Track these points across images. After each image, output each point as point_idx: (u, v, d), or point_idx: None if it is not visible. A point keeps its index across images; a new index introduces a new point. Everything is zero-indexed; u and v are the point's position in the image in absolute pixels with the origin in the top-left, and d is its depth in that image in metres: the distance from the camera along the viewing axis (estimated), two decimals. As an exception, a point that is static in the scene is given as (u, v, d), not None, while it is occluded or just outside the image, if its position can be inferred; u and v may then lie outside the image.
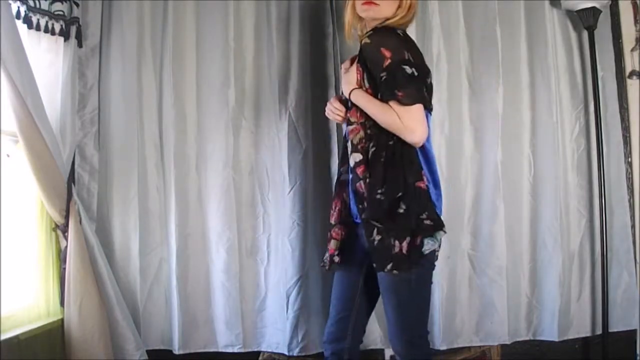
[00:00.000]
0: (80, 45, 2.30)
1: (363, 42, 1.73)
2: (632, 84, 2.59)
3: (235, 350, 2.45)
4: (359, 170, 1.72)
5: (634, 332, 2.52)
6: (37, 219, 2.19)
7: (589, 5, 2.42)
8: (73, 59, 2.25)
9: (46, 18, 2.10)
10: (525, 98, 2.54)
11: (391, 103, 1.65)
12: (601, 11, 2.47)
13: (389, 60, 1.66)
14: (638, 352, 2.53)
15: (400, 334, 1.76)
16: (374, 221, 1.68)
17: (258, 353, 2.50)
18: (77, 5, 2.24)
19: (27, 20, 2.03)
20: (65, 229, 2.18)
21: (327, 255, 1.89)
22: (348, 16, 1.88)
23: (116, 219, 2.43)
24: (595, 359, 2.54)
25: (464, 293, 2.49)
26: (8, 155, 2.10)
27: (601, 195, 2.49)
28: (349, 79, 1.80)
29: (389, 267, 1.66)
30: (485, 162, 2.50)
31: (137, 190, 2.42)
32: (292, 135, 2.45)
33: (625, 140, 2.58)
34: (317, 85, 2.51)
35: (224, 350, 2.46)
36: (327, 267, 1.89)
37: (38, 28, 2.08)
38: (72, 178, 2.30)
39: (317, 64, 2.51)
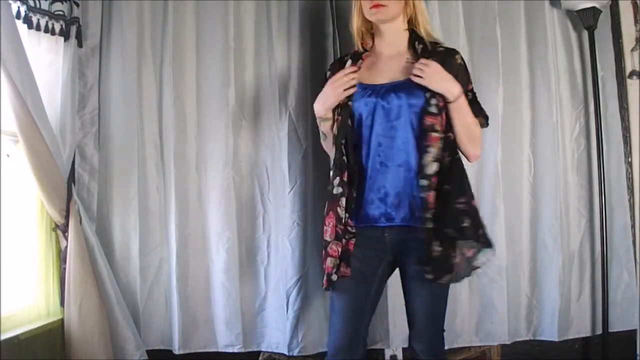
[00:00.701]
0: (80, 45, 2.30)
1: (458, 62, 1.80)
2: (632, 84, 2.59)
3: (235, 350, 2.45)
4: (435, 180, 1.71)
5: (634, 332, 2.52)
6: (37, 219, 2.19)
7: (589, 5, 2.42)
8: (73, 59, 2.25)
9: (46, 18, 2.10)
10: (525, 98, 2.54)
11: (480, 119, 1.83)
12: (601, 11, 2.47)
13: (472, 85, 1.86)
14: (638, 352, 2.52)
15: (431, 332, 1.83)
16: (447, 230, 1.70)
17: (258, 353, 2.50)
18: (77, 5, 2.25)
19: (27, 20, 2.03)
20: (65, 229, 2.18)
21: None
22: (356, 22, 1.88)
23: (116, 219, 2.43)
24: (595, 359, 2.54)
25: (464, 293, 2.49)
26: (8, 155, 2.10)
27: (601, 195, 2.49)
28: (448, 75, 1.72)
29: (446, 278, 1.72)
30: (485, 162, 2.49)
31: (137, 190, 2.42)
32: (292, 135, 2.45)
33: (625, 140, 2.58)
34: (317, 85, 2.50)
35: (224, 350, 2.46)
36: (324, 287, 1.81)
37: (38, 28, 2.08)
38: (72, 178, 2.30)
39: (317, 64, 2.50)
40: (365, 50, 1.93)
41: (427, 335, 1.84)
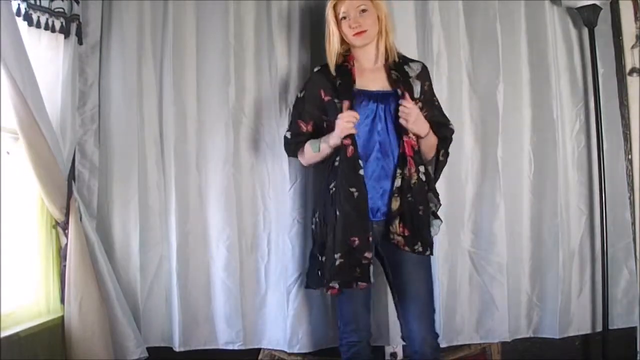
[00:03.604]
0: (80, 42, 2.31)
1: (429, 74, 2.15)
2: (632, 81, 2.59)
3: (236, 347, 2.45)
4: None
5: (634, 329, 2.52)
6: (38, 216, 2.19)
7: (589, 2, 2.42)
8: (73, 57, 2.25)
9: (46, 15, 2.11)
10: (526, 95, 2.54)
11: (449, 127, 2.17)
12: (601, 8, 2.46)
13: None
14: (638, 349, 2.53)
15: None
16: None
17: (258, 350, 2.50)
18: (78, 2, 2.25)
19: (28, 18, 2.03)
20: (65, 226, 2.18)
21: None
22: (335, 47, 2.05)
23: (116, 216, 2.43)
24: (595, 357, 2.54)
25: (464, 290, 2.49)
26: (8, 153, 2.10)
27: (601, 192, 2.48)
28: (421, 117, 1.99)
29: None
30: (486, 160, 2.50)
31: (137, 187, 2.42)
32: (293, 133, 2.45)
33: (625, 137, 2.58)
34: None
35: (224, 348, 2.46)
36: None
37: (38, 25, 2.08)
38: (72, 175, 2.31)
39: (318, 62, 2.49)
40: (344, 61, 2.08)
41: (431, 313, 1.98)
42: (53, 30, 2.14)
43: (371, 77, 2.06)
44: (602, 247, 2.47)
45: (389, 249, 2.00)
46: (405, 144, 1.95)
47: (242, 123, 2.51)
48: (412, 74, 2.07)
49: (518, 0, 2.55)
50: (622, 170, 2.57)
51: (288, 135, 2.17)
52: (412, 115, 1.93)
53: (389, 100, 2.00)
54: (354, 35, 1.99)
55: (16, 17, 1.94)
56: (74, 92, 2.29)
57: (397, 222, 1.93)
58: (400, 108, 1.94)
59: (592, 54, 2.51)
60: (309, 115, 2.11)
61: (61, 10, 2.15)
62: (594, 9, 2.44)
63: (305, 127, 2.12)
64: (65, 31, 2.18)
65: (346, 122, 1.91)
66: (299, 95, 2.18)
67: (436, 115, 2.13)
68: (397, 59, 2.08)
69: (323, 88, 2.06)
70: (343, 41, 2.06)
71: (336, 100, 2.00)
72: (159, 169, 2.49)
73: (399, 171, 1.95)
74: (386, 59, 2.09)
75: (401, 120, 1.94)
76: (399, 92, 1.99)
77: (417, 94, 2.05)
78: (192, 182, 2.48)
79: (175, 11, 2.47)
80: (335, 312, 2.22)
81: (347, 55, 2.07)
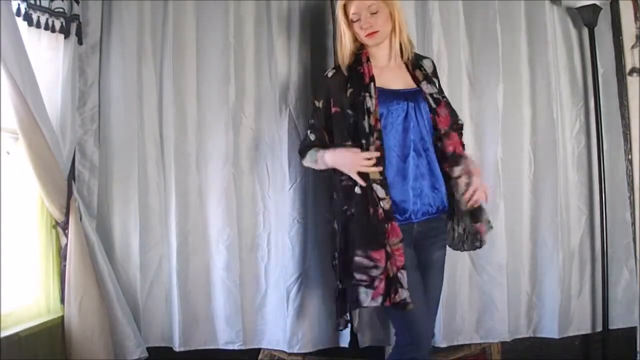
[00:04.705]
0: (80, 42, 2.31)
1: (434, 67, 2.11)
2: (632, 81, 2.58)
3: (236, 347, 2.46)
4: None
5: (634, 329, 2.52)
6: (38, 216, 2.20)
7: (589, 2, 2.42)
8: (73, 57, 2.26)
9: (46, 15, 2.11)
10: (526, 95, 2.54)
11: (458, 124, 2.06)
12: (601, 8, 2.46)
13: None
14: (638, 349, 2.53)
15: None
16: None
17: (258, 350, 2.50)
18: (77, 2, 2.25)
19: (28, 18, 2.04)
20: (65, 226, 2.19)
21: None
22: (350, 48, 1.98)
23: (116, 216, 2.44)
24: (595, 357, 2.54)
25: (464, 291, 2.49)
26: (8, 153, 2.10)
27: (601, 192, 2.48)
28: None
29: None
30: (486, 159, 2.49)
31: (137, 187, 2.42)
32: (293, 132, 2.45)
33: (625, 137, 2.58)
34: (317, 82, 2.50)
35: (224, 348, 2.46)
36: None
37: (38, 25, 2.09)
38: (72, 175, 2.31)
39: (317, 61, 2.51)
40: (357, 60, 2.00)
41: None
42: (53, 30, 2.14)
43: (392, 76, 2.00)
44: (602, 247, 2.47)
45: (424, 250, 1.94)
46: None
47: (242, 123, 2.51)
48: (429, 70, 2.06)
49: (518, 0, 2.55)
50: (622, 170, 2.57)
51: (312, 137, 2.03)
52: (482, 188, 1.94)
53: (417, 98, 1.96)
54: (366, 36, 1.95)
55: (16, 17, 1.95)
56: (74, 92, 2.30)
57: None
58: (476, 193, 1.91)
59: (592, 54, 2.50)
60: (326, 125, 2.03)
61: (61, 10, 2.16)
62: (594, 9, 2.44)
63: (327, 137, 2.02)
64: (65, 31, 2.19)
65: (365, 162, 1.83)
66: (317, 105, 2.03)
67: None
68: (411, 56, 2.04)
69: (333, 97, 1.97)
70: (355, 39, 2.00)
71: (349, 112, 1.92)
72: (159, 168, 2.49)
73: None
74: (402, 56, 2.04)
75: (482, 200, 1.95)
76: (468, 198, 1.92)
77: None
78: (192, 182, 2.48)
79: (175, 11, 2.47)
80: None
81: (359, 55, 1.99)
